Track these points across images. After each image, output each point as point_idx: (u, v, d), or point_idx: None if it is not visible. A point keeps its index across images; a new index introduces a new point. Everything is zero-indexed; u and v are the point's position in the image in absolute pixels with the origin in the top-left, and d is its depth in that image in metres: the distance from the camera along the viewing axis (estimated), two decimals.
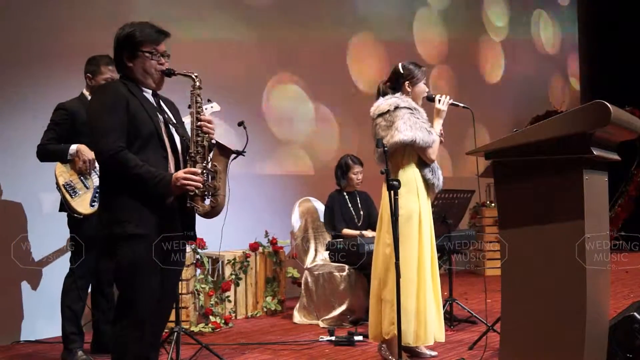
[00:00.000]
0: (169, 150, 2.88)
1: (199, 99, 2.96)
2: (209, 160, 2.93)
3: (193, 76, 2.96)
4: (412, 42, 8.28)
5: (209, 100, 3.79)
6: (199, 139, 2.90)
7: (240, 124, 3.29)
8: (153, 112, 2.87)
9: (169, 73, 2.95)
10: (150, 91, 2.96)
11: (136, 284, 2.79)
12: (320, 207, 5.88)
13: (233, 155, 3.00)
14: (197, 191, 2.82)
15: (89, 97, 4.11)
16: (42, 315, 4.78)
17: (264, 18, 6.63)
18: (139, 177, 2.73)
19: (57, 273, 4.29)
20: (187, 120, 3.07)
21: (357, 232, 5.34)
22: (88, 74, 4.15)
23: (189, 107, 3.00)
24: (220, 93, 5.52)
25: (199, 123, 2.91)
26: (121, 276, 2.84)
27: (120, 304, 2.85)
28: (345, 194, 5.56)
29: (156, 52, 2.91)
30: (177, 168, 2.89)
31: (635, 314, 3.33)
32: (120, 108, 2.78)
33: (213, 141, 2.94)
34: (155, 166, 2.79)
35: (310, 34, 7.03)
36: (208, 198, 2.87)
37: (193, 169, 2.82)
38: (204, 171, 2.86)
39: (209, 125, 2.93)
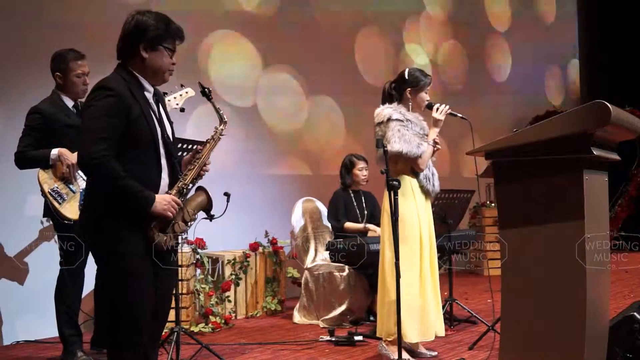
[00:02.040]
0: (163, 160, 2.77)
1: (218, 142, 2.93)
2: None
3: (225, 118, 2.94)
4: (416, 41, 8.30)
5: (182, 86, 3.64)
6: (195, 179, 2.86)
7: (226, 194, 3.06)
8: (153, 121, 2.74)
9: (205, 94, 2.94)
10: (152, 90, 2.80)
11: (128, 297, 2.67)
12: (321, 207, 5.89)
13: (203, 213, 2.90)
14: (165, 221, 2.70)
15: (63, 97, 4.00)
16: (41, 315, 4.76)
17: (264, 15, 6.64)
18: (121, 190, 2.61)
19: (55, 273, 4.28)
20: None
21: (361, 225, 5.39)
22: (57, 73, 3.98)
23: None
24: (217, 91, 5.53)
25: (205, 167, 2.89)
26: (111, 289, 2.72)
27: (115, 315, 2.71)
28: (350, 191, 5.56)
29: (173, 51, 2.77)
30: (172, 176, 2.81)
31: (635, 314, 3.33)
32: (119, 114, 2.62)
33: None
34: (148, 175, 2.70)
35: (312, 31, 7.02)
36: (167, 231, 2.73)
37: (178, 200, 2.73)
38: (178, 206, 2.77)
39: (207, 168, 2.92)
